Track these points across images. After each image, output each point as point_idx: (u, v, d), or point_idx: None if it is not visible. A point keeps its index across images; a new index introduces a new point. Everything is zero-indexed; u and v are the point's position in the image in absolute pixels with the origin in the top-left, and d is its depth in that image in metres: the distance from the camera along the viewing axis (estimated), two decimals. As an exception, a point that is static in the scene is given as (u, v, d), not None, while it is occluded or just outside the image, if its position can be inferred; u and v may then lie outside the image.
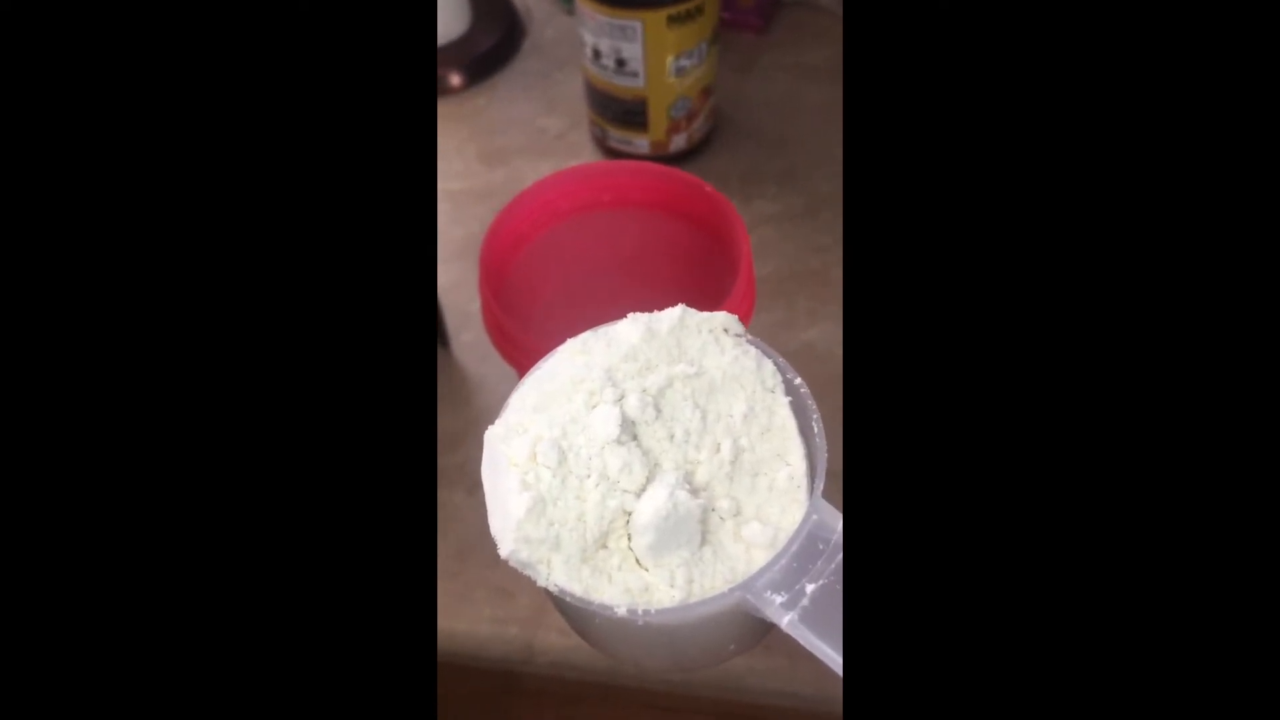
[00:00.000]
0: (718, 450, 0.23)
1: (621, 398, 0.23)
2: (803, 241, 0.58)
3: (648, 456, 0.23)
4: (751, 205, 0.60)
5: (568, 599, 0.22)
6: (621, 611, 0.22)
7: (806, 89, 0.67)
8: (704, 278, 0.35)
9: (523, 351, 0.32)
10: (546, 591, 0.24)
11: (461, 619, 0.44)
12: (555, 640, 0.44)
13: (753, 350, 0.25)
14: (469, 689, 0.54)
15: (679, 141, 0.60)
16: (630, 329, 0.25)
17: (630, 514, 0.23)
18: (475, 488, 0.49)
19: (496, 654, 0.44)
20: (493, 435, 0.24)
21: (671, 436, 0.23)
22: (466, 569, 0.46)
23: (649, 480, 0.23)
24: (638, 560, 0.23)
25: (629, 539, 0.23)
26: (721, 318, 0.25)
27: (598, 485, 0.23)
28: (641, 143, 0.59)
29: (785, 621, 0.22)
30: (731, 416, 0.24)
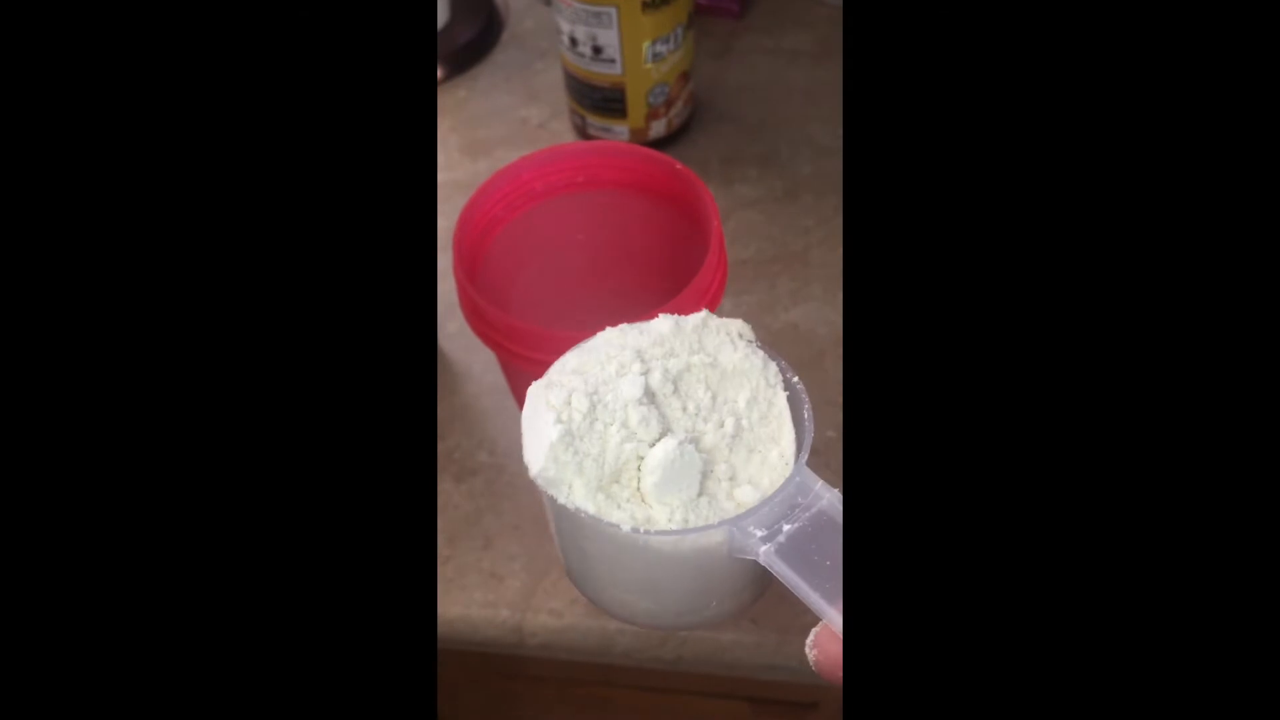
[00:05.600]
0: (722, 425, 0.27)
1: (647, 372, 0.27)
2: (784, 224, 0.58)
3: (663, 420, 0.27)
4: (732, 189, 0.60)
5: (583, 515, 0.26)
6: (626, 528, 0.25)
7: (785, 73, 0.67)
8: (678, 252, 0.35)
9: (499, 332, 0.32)
10: (556, 523, 0.28)
11: (453, 604, 0.45)
12: (545, 621, 0.44)
13: (760, 353, 0.29)
14: (469, 676, 0.55)
15: (658, 127, 0.60)
16: (662, 323, 0.29)
17: (642, 459, 0.26)
18: (464, 475, 0.50)
19: (488, 637, 0.45)
20: (536, 386, 0.28)
21: (684, 409, 0.27)
22: (457, 554, 0.46)
23: (662, 435, 0.27)
24: (644, 498, 0.26)
25: (639, 481, 0.26)
26: (738, 324, 0.29)
27: (619, 432, 0.26)
28: (621, 130, 0.60)
29: (762, 552, 0.25)
30: (737, 401, 0.27)
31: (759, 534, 0.25)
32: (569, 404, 0.27)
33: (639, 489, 0.27)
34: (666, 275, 0.37)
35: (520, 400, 0.39)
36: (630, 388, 0.27)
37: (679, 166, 0.34)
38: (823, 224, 0.58)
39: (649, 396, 0.27)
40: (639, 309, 0.39)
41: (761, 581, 0.28)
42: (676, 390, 0.27)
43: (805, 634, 0.42)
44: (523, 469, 0.49)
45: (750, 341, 0.29)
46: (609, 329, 0.29)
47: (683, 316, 0.29)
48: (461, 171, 0.63)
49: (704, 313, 0.29)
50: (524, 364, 0.32)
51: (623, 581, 0.29)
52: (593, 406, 0.27)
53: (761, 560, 0.25)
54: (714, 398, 0.28)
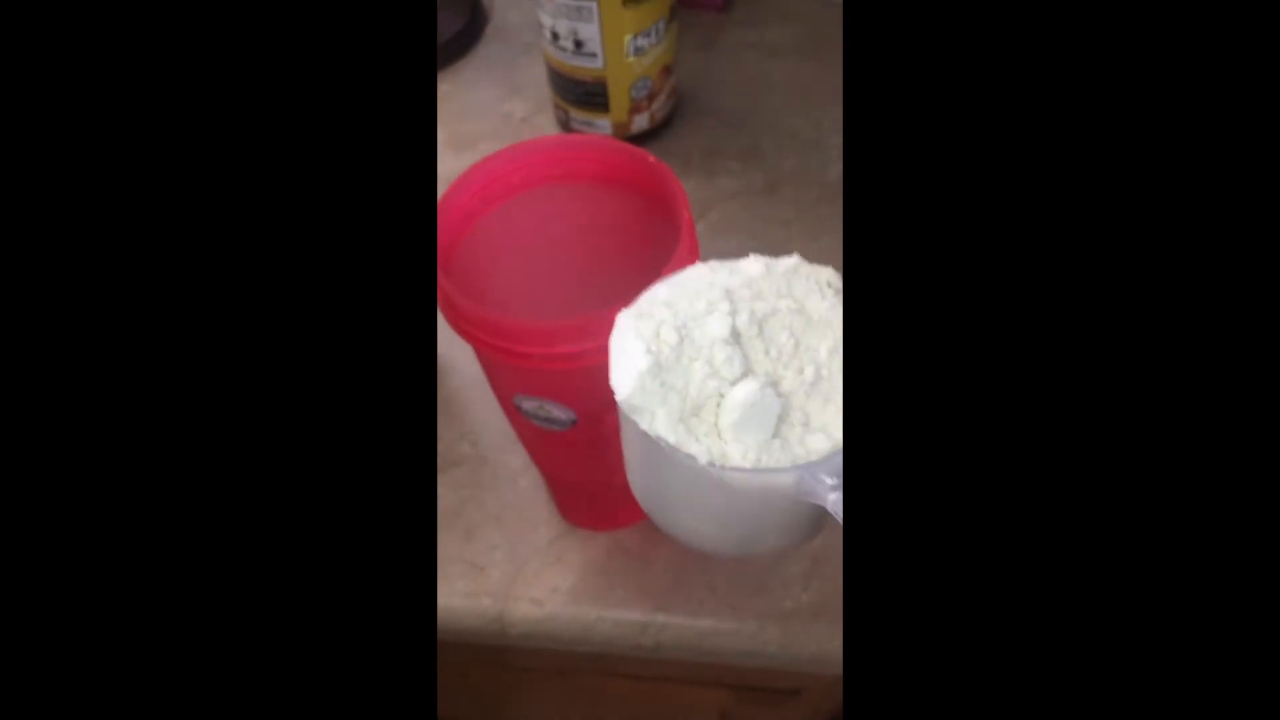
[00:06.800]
0: (802, 372, 0.28)
1: (734, 312, 0.28)
2: (766, 217, 0.59)
3: (745, 361, 0.28)
4: (715, 182, 0.60)
5: (662, 444, 0.27)
6: (703, 461, 0.27)
7: (768, 66, 0.67)
8: (652, 244, 0.36)
9: (472, 323, 0.32)
10: (634, 449, 0.29)
11: (436, 593, 0.45)
12: (526, 611, 0.45)
13: None
14: (455, 667, 0.55)
15: (641, 121, 0.61)
16: (753, 264, 0.30)
17: (723, 397, 0.27)
18: (446, 466, 0.50)
19: (469, 627, 0.45)
20: (627, 314, 0.29)
21: (767, 352, 0.28)
22: (440, 544, 0.47)
23: (743, 376, 0.27)
24: (720, 434, 0.27)
25: (717, 417, 0.27)
26: (828, 272, 0.29)
27: (703, 368, 0.27)
28: (603, 123, 0.60)
29: (830, 499, 0.26)
30: (818, 349, 0.28)
31: (829, 481, 0.26)
32: (659, 336, 0.28)
33: (716, 425, 0.27)
34: (641, 267, 0.37)
35: (497, 390, 0.39)
36: (718, 326, 0.28)
37: (651, 160, 0.35)
38: (803, 216, 0.58)
39: (734, 336, 0.28)
40: (614, 300, 0.39)
41: (818, 522, 0.29)
42: (761, 333, 0.28)
43: (783, 621, 0.43)
44: (504, 460, 0.50)
45: (838, 291, 0.29)
46: (699, 265, 0.30)
47: (775, 260, 0.29)
48: (446, 166, 0.63)
49: (795, 258, 0.29)
50: (498, 354, 0.32)
51: (692, 509, 0.30)
52: (681, 340, 0.28)
53: (829, 508, 0.26)
54: (797, 344, 0.28)
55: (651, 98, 0.60)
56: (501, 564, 0.46)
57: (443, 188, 0.62)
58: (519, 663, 0.56)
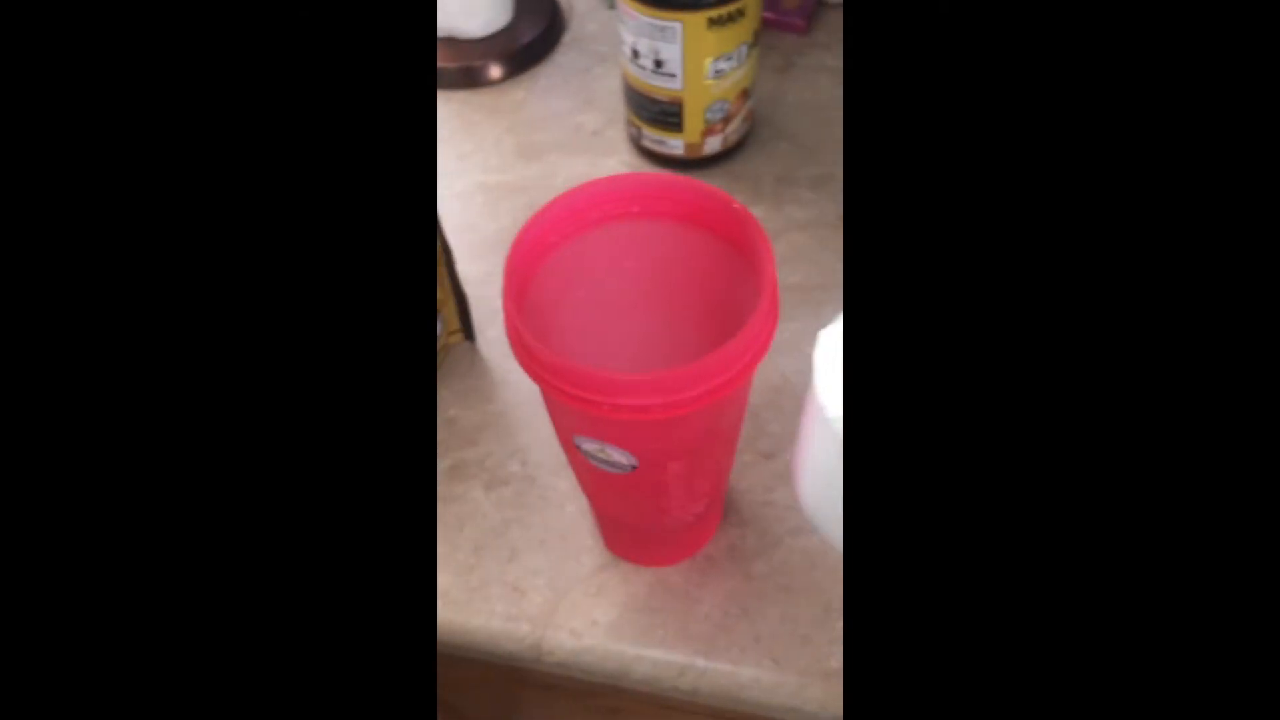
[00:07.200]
0: None
1: None
2: (834, 249, 0.57)
3: None
4: (784, 210, 0.59)
5: None
6: None
7: (846, 94, 0.66)
8: (728, 292, 0.35)
9: (545, 368, 0.32)
10: (831, 464, 0.29)
11: (475, 614, 0.45)
12: (564, 640, 0.44)
13: None
14: (479, 677, 0.55)
15: (714, 144, 0.60)
16: None
17: None
18: (494, 484, 0.50)
19: (506, 651, 0.45)
20: (828, 333, 0.31)
21: None
22: (482, 564, 0.46)
23: None
24: None
25: None
26: None
27: None
28: (676, 143, 0.59)
29: None
30: None
31: None
32: None
33: None
34: (713, 310, 0.36)
35: (558, 426, 0.38)
36: None
37: (736, 205, 0.34)
38: (874, 254, 0.57)
39: None
40: (683, 342, 0.39)
41: None
42: None
43: (826, 679, 0.42)
44: (552, 482, 0.49)
45: None
46: None
47: None
48: (514, 174, 0.63)
49: None
50: (564, 397, 0.32)
51: None
52: None
53: None
54: None
55: (727, 121, 0.59)
56: (543, 590, 0.45)
57: (512, 195, 0.62)
58: (540, 681, 0.56)
